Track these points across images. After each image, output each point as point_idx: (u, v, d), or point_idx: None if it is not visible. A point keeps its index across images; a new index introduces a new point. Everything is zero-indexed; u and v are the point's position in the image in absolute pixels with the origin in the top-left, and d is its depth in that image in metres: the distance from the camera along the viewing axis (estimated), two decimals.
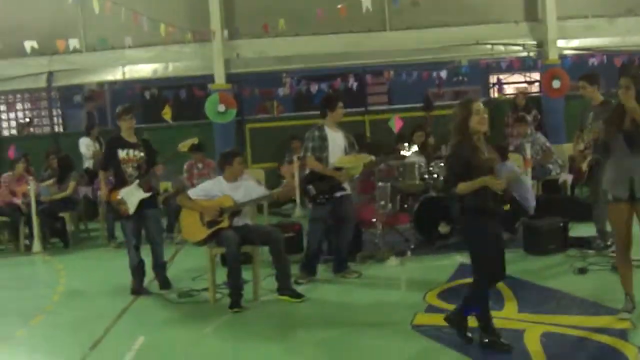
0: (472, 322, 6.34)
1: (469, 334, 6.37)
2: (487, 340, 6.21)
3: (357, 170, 9.13)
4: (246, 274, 8.29)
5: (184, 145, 9.13)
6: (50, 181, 13.08)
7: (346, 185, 9.02)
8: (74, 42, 15.58)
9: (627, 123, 6.45)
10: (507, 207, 6.12)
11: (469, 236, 6.40)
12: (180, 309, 8.25)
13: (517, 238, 10.42)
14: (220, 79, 15.94)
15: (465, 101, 6.38)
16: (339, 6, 14.77)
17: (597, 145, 6.88)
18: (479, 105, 6.21)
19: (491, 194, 6.08)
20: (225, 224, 8.20)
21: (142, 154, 8.92)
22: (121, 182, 8.85)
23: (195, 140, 9.33)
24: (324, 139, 8.89)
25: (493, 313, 6.41)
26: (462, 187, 6.08)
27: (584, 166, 9.32)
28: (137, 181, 8.77)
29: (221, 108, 15.35)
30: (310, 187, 8.83)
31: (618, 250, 6.95)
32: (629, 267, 6.87)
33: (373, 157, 9.48)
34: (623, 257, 6.85)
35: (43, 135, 19.31)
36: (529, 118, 14.22)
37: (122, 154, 8.87)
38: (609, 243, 9.38)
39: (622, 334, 6.34)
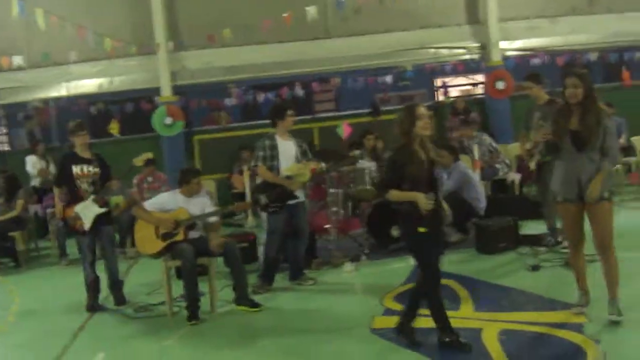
0: (430, 323, 6.40)
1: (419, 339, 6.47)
2: (447, 340, 6.28)
3: (305, 177, 9.14)
4: (202, 286, 8.27)
5: (138, 160, 9.08)
6: None
7: (299, 193, 9.04)
8: (17, 60, 15.44)
9: (574, 123, 6.56)
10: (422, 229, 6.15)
11: (408, 241, 6.49)
12: (139, 324, 8.19)
13: (469, 238, 10.55)
14: (166, 92, 15.90)
15: (409, 106, 6.42)
16: (284, 15, 14.83)
17: (547, 145, 6.95)
18: (422, 109, 6.29)
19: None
20: (180, 236, 8.18)
21: (96, 169, 8.86)
22: (76, 198, 8.75)
23: (149, 155, 9.30)
24: (274, 147, 8.91)
25: (450, 313, 6.48)
26: (394, 194, 6.21)
27: (532, 165, 9.48)
28: (92, 196, 8.71)
29: (168, 120, 15.33)
30: (261, 196, 8.83)
31: (570, 248, 7.04)
32: (582, 263, 6.96)
33: (323, 165, 9.52)
34: (576, 255, 6.93)
35: None
36: (478, 119, 14.44)
37: (76, 169, 8.80)
38: (559, 239, 9.55)
39: (579, 328, 6.46)
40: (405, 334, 6.51)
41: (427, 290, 6.38)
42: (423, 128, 6.21)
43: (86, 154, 8.92)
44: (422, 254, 6.29)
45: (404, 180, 6.16)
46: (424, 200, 6.05)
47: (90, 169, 8.85)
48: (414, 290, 6.58)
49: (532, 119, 9.53)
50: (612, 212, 6.61)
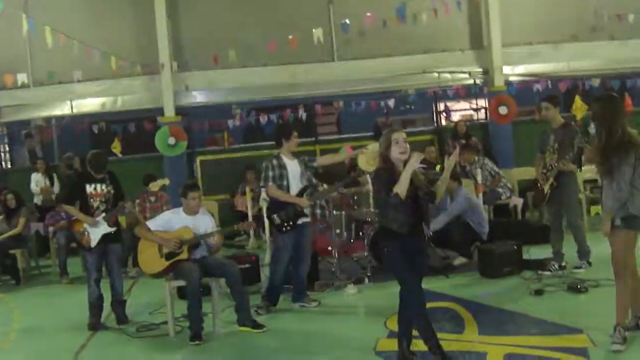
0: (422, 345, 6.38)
1: None
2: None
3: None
4: (205, 306, 8.22)
5: (155, 185, 9.09)
6: (0, 217, 12.88)
7: (306, 211, 9.03)
8: (22, 77, 15.50)
9: None
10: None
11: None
12: (141, 343, 8.15)
13: (472, 262, 10.53)
14: (169, 112, 15.91)
15: (387, 132, 6.49)
16: (290, 37, 14.88)
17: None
18: (399, 134, 6.33)
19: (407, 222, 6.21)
20: (184, 255, 8.17)
21: (109, 188, 8.90)
22: (86, 215, 8.77)
23: (166, 182, 9.25)
24: (282, 167, 8.90)
25: (454, 336, 6.48)
26: (397, 188, 6.14)
27: (546, 188, 9.50)
28: (103, 215, 8.72)
29: (171, 141, 15.34)
30: (275, 216, 8.83)
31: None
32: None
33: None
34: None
35: None
36: (478, 144, 14.46)
37: (89, 189, 8.84)
38: (563, 264, 9.56)
39: (584, 352, 6.44)
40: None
41: (410, 311, 6.38)
42: (400, 153, 6.25)
43: (100, 173, 8.93)
44: (398, 272, 6.32)
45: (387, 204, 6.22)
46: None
47: (103, 187, 8.88)
48: (399, 313, 6.55)
49: (547, 142, 9.58)
50: (625, 239, 6.51)
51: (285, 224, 8.81)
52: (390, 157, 6.26)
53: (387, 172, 6.25)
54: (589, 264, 9.63)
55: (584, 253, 9.70)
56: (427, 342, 6.32)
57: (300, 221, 8.93)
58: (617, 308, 6.55)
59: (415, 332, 6.43)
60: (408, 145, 6.29)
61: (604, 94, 7.60)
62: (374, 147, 8.92)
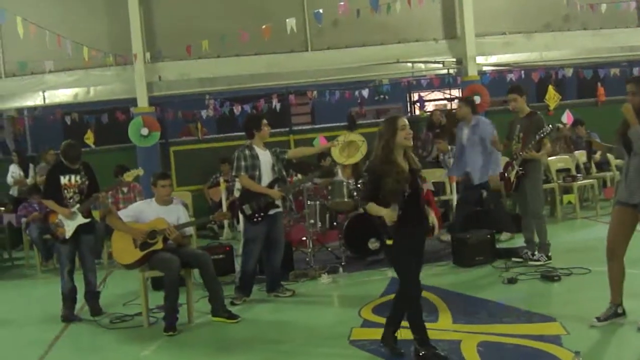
0: (408, 334, 6.39)
1: (401, 350, 6.46)
2: (423, 353, 6.27)
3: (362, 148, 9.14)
4: (179, 297, 8.20)
5: (128, 176, 9.02)
6: None
7: (279, 202, 9.03)
8: None
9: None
10: (389, 241, 6.28)
11: (389, 251, 6.49)
12: (115, 335, 8.11)
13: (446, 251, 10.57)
14: (143, 102, 15.81)
15: (392, 118, 6.47)
16: (263, 27, 14.83)
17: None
18: (404, 121, 6.36)
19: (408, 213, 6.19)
20: (159, 246, 8.13)
21: (84, 179, 8.84)
22: (61, 206, 8.71)
23: (140, 172, 9.20)
24: (255, 157, 8.88)
25: (428, 325, 6.47)
26: (370, 209, 6.26)
27: (512, 177, 9.55)
28: (77, 206, 8.67)
29: (144, 131, 15.26)
30: (246, 206, 8.81)
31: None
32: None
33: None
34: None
35: None
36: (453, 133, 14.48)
37: (63, 179, 8.78)
38: (536, 253, 9.62)
39: (557, 340, 6.47)
40: (387, 344, 6.50)
41: (404, 302, 6.39)
42: (406, 138, 6.26)
43: (74, 164, 8.87)
44: (399, 265, 6.30)
45: (382, 191, 6.19)
46: (389, 214, 6.09)
47: (78, 178, 8.82)
48: (395, 300, 6.58)
49: (514, 131, 9.65)
50: (619, 218, 6.66)
51: (257, 215, 8.80)
52: (395, 142, 6.25)
53: (384, 168, 6.22)
54: (548, 257, 9.62)
55: (543, 245, 9.70)
56: (416, 333, 6.34)
57: (271, 211, 8.93)
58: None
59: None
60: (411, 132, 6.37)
61: None
62: (344, 138, 8.98)
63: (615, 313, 6.73)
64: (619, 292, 6.75)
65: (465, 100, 11.21)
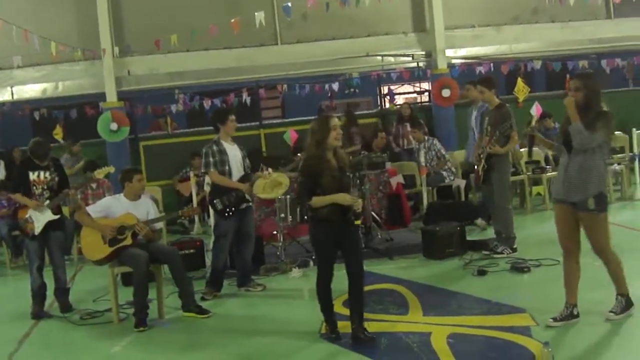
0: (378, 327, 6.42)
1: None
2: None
3: (286, 182, 9.30)
4: (149, 293, 8.15)
5: (99, 173, 8.99)
6: None
7: (248, 197, 9.01)
8: None
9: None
10: (358, 222, 6.58)
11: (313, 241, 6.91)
12: (85, 331, 8.06)
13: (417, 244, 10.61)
14: (111, 97, 15.71)
15: (324, 117, 6.74)
16: (232, 20, 14.77)
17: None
18: (335, 120, 6.61)
19: (341, 207, 6.48)
20: (128, 241, 8.08)
21: (53, 176, 8.78)
22: None
23: (111, 169, 9.16)
24: (223, 152, 8.86)
25: (398, 317, 6.55)
26: (316, 201, 6.50)
27: (480, 169, 9.58)
28: (47, 202, 8.61)
29: (114, 126, 15.19)
30: (217, 201, 8.78)
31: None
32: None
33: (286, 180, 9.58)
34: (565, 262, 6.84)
35: None
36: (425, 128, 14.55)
37: (32, 175, 8.71)
38: (515, 247, 9.67)
39: (526, 331, 6.54)
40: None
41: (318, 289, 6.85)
42: (335, 139, 6.56)
43: (44, 161, 8.81)
44: (317, 254, 6.86)
45: (317, 187, 6.47)
46: (346, 198, 6.43)
47: (47, 174, 8.75)
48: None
49: (483, 124, 9.67)
50: (600, 223, 6.52)
51: (228, 209, 8.78)
52: (327, 142, 6.49)
53: (316, 166, 6.50)
54: (513, 250, 9.69)
55: (508, 238, 9.77)
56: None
57: (242, 206, 8.93)
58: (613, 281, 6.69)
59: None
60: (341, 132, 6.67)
61: None
62: (277, 176, 9.10)
63: (571, 314, 6.67)
64: (574, 293, 6.71)
65: (473, 82, 10.98)
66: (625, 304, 6.60)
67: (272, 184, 9.21)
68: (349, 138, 14.42)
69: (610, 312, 6.56)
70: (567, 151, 6.54)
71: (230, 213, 8.80)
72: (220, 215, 8.88)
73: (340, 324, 6.90)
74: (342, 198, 6.41)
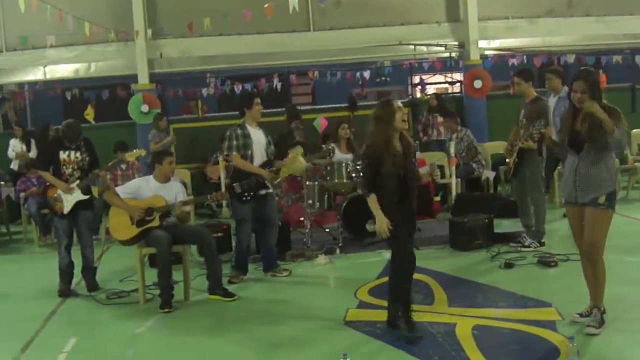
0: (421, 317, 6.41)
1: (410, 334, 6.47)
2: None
3: (301, 164, 9.18)
4: (176, 274, 8.22)
5: (130, 156, 9.03)
6: None
7: (268, 183, 9.02)
8: None
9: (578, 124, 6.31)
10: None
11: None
12: (111, 311, 8.13)
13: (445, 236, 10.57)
14: (143, 79, 15.77)
15: (387, 101, 6.56)
16: (266, 6, 14.76)
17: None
18: (398, 103, 6.45)
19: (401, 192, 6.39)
20: (155, 223, 8.12)
21: (84, 156, 8.83)
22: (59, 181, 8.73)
23: (142, 152, 9.19)
24: (247, 136, 8.85)
25: (424, 307, 6.52)
26: (370, 203, 6.37)
27: (511, 163, 9.50)
28: (77, 182, 8.67)
29: (145, 108, 15.25)
30: (236, 184, 8.77)
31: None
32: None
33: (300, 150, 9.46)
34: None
35: None
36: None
37: (63, 155, 8.77)
38: (543, 241, 9.59)
39: (551, 325, 6.49)
40: (394, 326, 6.53)
41: (396, 275, 6.52)
42: (403, 120, 6.37)
43: (75, 142, 8.86)
44: (392, 239, 6.41)
45: (380, 174, 6.30)
46: (384, 226, 6.26)
47: (77, 155, 8.81)
48: (389, 278, 6.63)
49: (519, 116, 9.58)
50: (606, 220, 6.33)
51: (246, 194, 8.76)
52: (393, 124, 6.33)
53: (380, 151, 6.31)
54: (541, 244, 9.62)
55: (537, 232, 9.69)
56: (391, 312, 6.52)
57: (261, 192, 8.93)
58: (593, 289, 6.49)
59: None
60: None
61: None
62: (294, 153, 9.04)
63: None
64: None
65: (555, 71, 10.79)
66: (601, 318, 6.39)
67: (290, 162, 9.12)
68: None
69: (589, 326, 6.36)
70: (576, 152, 6.36)
71: (248, 197, 8.78)
72: (237, 199, 8.85)
73: (367, 312, 6.89)
74: (380, 224, 6.29)
